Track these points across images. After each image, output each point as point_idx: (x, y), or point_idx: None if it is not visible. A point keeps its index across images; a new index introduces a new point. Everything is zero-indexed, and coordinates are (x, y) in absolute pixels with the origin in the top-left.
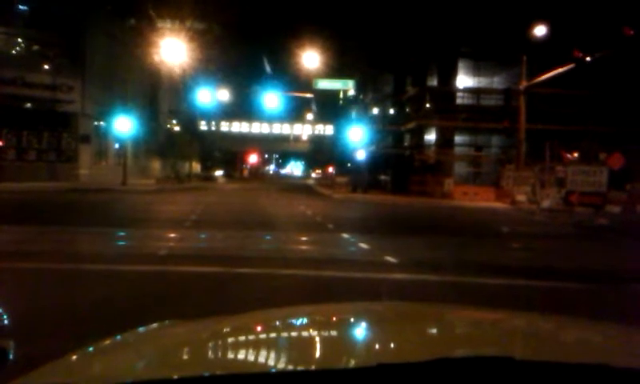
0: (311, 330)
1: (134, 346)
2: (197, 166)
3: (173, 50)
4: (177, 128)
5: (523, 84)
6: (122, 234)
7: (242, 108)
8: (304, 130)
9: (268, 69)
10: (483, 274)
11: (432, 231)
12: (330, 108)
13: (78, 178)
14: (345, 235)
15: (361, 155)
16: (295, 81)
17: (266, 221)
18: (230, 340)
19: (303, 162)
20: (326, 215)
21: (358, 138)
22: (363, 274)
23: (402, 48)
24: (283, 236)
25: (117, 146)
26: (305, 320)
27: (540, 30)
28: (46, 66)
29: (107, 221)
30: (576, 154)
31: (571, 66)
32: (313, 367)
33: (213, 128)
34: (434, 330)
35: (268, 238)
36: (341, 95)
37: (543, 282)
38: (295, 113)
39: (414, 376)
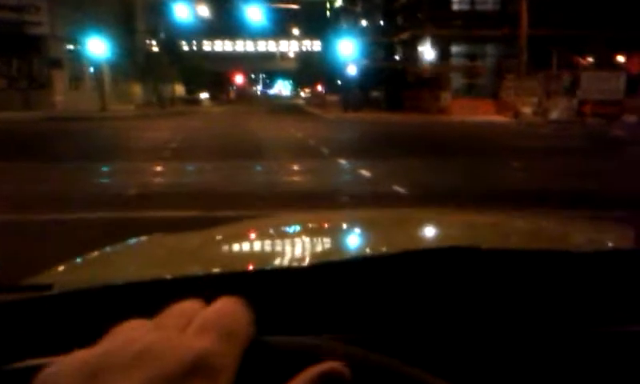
0: (297, 235)
1: (124, 254)
2: (180, 90)
3: None
4: (156, 49)
5: None
6: (89, 168)
7: (225, 24)
8: (290, 47)
9: None
10: (501, 203)
11: (434, 152)
12: (317, 21)
13: (53, 105)
14: (342, 161)
15: (351, 71)
16: None
17: (253, 147)
18: (224, 245)
19: (291, 81)
20: (319, 138)
21: (347, 52)
22: (371, 210)
23: None
24: (274, 165)
25: (92, 69)
26: (294, 226)
27: None
28: None
29: (76, 153)
30: (589, 60)
31: None
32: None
33: (195, 48)
34: (419, 231)
35: (257, 168)
36: (328, 6)
37: (567, 210)
38: (280, 28)
39: (374, 269)
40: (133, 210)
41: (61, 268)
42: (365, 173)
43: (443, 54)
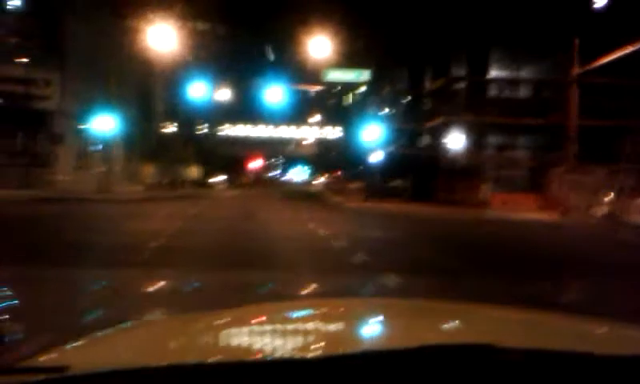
0: (305, 323)
1: (131, 335)
2: (196, 172)
3: (165, 42)
4: (172, 129)
5: (575, 71)
6: (25, 277)
7: (244, 108)
8: (310, 133)
9: (271, 56)
10: None
11: (510, 268)
12: (338, 107)
13: (54, 184)
14: (389, 281)
15: (375, 158)
16: (301, 74)
17: (260, 249)
18: (225, 331)
19: (309, 166)
20: (346, 236)
21: (371, 138)
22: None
23: (421, 35)
24: (286, 286)
25: (100, 147)
26: (302, 314)
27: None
28: (20, 58)
29: (32, 248)
30: None
31: None
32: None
33: (212, 130)
34: (438, 324)
35: (260, 291)
36: (351, 96)
37: None
38: (301, 113)
39: (387, 365)
40: None
41: (70, 346)
42: None
43: (478, 142)
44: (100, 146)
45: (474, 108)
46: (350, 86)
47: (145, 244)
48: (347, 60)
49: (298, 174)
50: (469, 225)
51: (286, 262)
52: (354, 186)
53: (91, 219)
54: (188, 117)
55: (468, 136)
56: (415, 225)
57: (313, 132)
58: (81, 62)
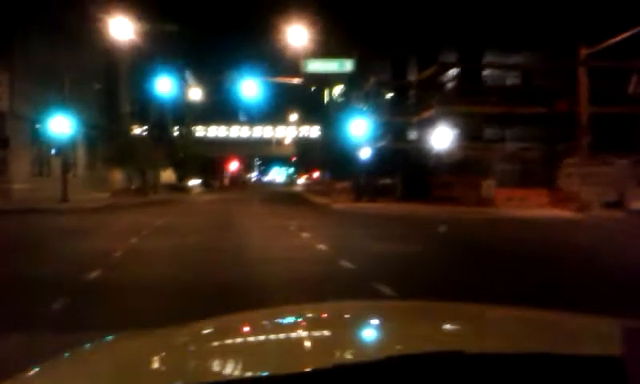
0: (292, 331)
1: (99, 360)
2: (171, 175)
3: (129, 39)
4: (141, 132)
5: (583, 52)
6: None
7: (219, 107)
8: (288, 132)
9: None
10: None
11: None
12: (316, 105)
13: (9, 194)
14: None
15: (363, 155)
16: (279, 66)
17: (245, 285)
18: (210, 343)
19: (288, 167)
20: (355, 252)
21: (358, 134)
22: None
23: (406, 23)
24: None
25: (58, 152)
26: (288, 322)
27: None
28: None
29: None
30: None
31: None
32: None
33: (186, 132)
34: (426, 327)
35: None
36: (332, 91)
37: None
38: (279, 111)
39: (356, 378)
40: None
41: (36, 370)
42: None
43: (473, 134)
44: (58, 151)
45: (468, 97)
46: (330, 80)
47: (78, 276)
48: (328, 51)
49: (278, 175)
50: (485, 227)
51: (279, 302)
52: (340, 185)
53: (29, 237)
54: (159, 118)
55: (462, 128)
56: (421, 229)
57: (291, 131)
58: (35, 61)
